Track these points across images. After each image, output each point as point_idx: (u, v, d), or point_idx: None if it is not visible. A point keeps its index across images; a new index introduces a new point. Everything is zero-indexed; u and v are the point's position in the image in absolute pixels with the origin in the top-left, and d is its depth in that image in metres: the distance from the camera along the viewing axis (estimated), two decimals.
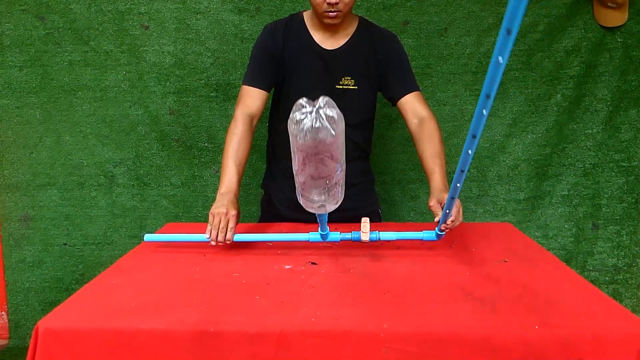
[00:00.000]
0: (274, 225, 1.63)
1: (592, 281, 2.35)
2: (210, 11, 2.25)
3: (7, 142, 2.34)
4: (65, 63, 2.28)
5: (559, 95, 2.29)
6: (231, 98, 2.28)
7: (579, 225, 2.38)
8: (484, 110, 0.75)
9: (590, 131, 2.32)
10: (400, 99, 1.61)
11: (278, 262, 1.28)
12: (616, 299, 2.35)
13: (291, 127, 0.97)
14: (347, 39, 1.61)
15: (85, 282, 2.47)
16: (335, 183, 1.09)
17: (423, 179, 2.34)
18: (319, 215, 1.21)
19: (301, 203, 1.14)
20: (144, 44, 2.27)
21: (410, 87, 1.61)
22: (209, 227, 1.33)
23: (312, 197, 1.10)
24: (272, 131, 1.80)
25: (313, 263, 1.26)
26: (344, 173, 1.12)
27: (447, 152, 2.33)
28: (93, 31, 2.26)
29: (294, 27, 1.62)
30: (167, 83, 2.29)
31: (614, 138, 2.32)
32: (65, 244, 2.40)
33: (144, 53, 2.27)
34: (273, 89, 1.68)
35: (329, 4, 1.45)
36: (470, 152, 0.90)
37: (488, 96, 0.71)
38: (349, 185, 1.69)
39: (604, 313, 0.97)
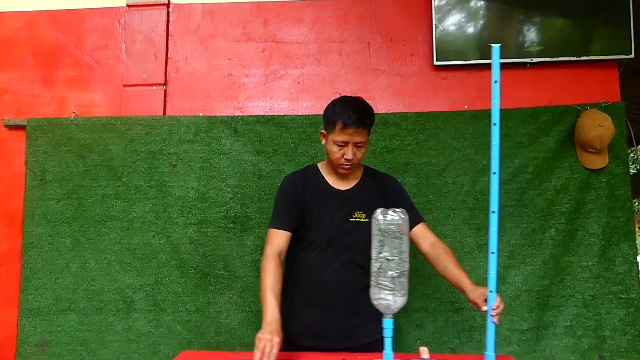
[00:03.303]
0: (294, 355, 1.68)
1: None
2: (232, 152, 2.52)
3: (35, 268, 2.49)
4: (99, 196, 2.51)
5: (552, 230, 2.45)
6: (247, 229, 2.47)
7: (585, 357, 2.39)
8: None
9: (586, 264, 2.43)
10: (410, 230, 1.82)
11: None
12: None
13: (374, 220, 1.43)
14: (356, 182, 1.88)
15: None
16: (403, 273, 1.44)
17: (428, 307, 2.44)
18: (384, 323, 1.48)
19: (372, 296, 1.45)
20: (170, 180, 2.51)
21: (418, 219, 1.86)
22: (256, 351, 1.46)
23: (385, 283, 1.45)
24: (291, 262, 1.92)
25: None
26: (408, 270, 1.45)
27: (447, 282, 2.46)
28: (126, 168, 2.52)
29: (311, 175, 1.90)
30: (189, 215, 2.50)
31: (610, 270, 2.42)
32: None
33: (170, 188, 2.51)
34: (298, 229, 1.87)
35: (346, 159, 1.74)
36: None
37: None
38: (365, 312, 1.82)
39: None
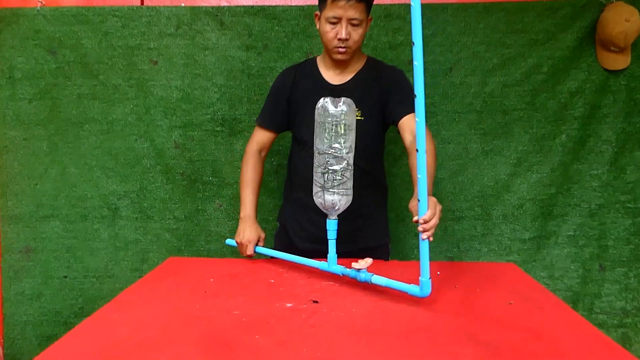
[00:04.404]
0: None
1: (600, 324, 2.31)
2: (218, 48, 2.29)
3: (12, 173, 2.35)
4: (74, 96, 2.31)
5: (563, 136, 2.30)
6: (236, 133, 2.31)
7: (585, 267, 2.34)
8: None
9: (595, 172, 2.31)
10: (400, 119, 1.64)
11: (279, 299, 1.26)
12: (625, 343, 2.31)
13: (316, 111, 1.39)
14: (353, 75, 1.71)
15: (84, 316, 2.42)
16: (344, 169, 1.36)
17: None
18: (328, 224, 1.38)
19: (314, 192, 1.40)
20: (152, 79, 2.30)
21: (410, 109, 1.61)
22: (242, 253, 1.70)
23: (327, 175, 1.37)
24: (291, 165, 1.87)
25: (315, 301, 1.24)
26: (351, 172, 1.38)
27: (452, 189, 2.35)
28: (103, 65, 2.30)
29: (307, 68, 1.75)
30: (174, 117, 2.31)
31: (620, 179, 2.31)
32: (66, 277, 2.38)
33: (152, 87, 2.31)
34: (290, 127, 1.81)
35: (339, 39, 1.56)
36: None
37: None
38: (362, 215, 1.71)
39: (609, 358, 0.94)
